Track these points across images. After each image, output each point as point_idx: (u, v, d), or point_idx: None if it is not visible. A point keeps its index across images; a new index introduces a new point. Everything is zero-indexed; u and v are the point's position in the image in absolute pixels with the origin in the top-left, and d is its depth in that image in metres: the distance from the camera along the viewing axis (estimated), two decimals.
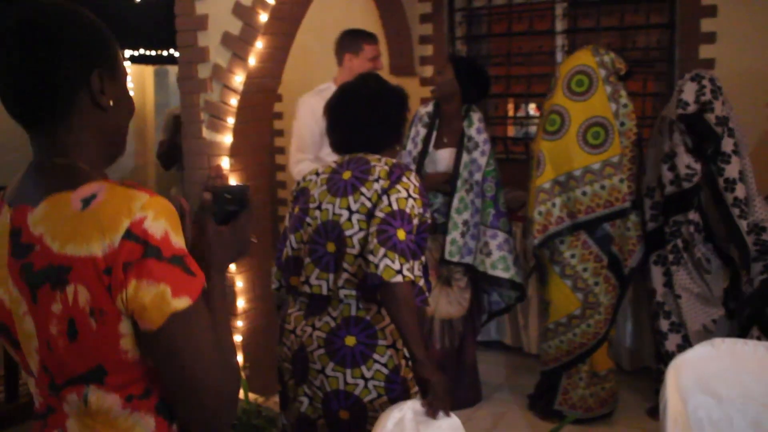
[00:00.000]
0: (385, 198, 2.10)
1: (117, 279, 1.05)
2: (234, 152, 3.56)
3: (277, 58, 3.56)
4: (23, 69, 1.13)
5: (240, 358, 3.68)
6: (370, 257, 2.03)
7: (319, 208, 2.21)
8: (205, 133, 3.61)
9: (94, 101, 1.18)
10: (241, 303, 3.66)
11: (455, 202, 3.50)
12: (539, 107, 4.16)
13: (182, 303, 1.08)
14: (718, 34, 4.20)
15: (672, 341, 3.46)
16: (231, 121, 3.52)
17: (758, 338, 3.44)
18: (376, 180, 2.14)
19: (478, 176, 3.54)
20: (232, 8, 3.45)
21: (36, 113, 1.16)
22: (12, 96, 1.16)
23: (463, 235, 3.50)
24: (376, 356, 2.14)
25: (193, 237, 1.31)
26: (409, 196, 2.12)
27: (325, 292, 2.18)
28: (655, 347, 3.62)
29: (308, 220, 2.23)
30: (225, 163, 3.54)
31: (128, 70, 8.31)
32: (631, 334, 4.06)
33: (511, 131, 5.19)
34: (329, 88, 3.95)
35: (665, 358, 3.32)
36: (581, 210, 3.37)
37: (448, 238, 3.50)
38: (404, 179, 2.15)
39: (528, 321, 4.35)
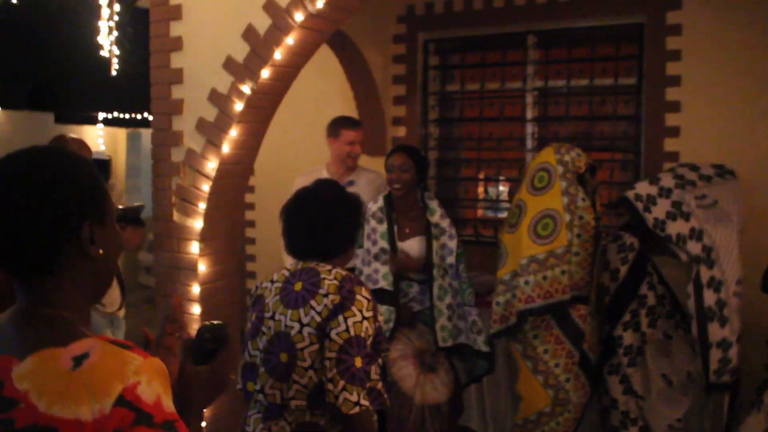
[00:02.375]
0: (341, 320, 2.14)
1: None
2: (204, 237, 3.55)
3: (250, 145, 3.58)
4: (7, 221, 1.11)
5: None
6: (330, 386, 2.09)
7: (272, 318, 2.25)
8: (176, 216, 3.60)
9: (83, 252, 1.17)
10: None
11: (435, 290, 3.51)
12: (509, 192, 4.24)
13: None
14: (682, 128, 4.34)
15: None
16: (202, 206, 3.51)
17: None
18: (326, 295, 2.18)
19: (450, 259, 3.57)
20: (208, 95, 3.48)
21: (21, 264, 1.14)
22: None
23: (450, 318, 3.50)
24: None
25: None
26: (364, 318, 2.17)
27: (278, 401, 2.21)
28: None
29: (263, 329, 2.27)
30: (195, 248, 3.53)
31: (100, 132, 8.35)
32: (591, 424, 4.04)
33: (481, 213, 5.25)
34: (319, 171, 4.01)
35: None
36: (522, 299, 3.37)
37: (438, 326, 3.47)
38: (358, 297, 2.18)
39: (498, 406, 4.32)
